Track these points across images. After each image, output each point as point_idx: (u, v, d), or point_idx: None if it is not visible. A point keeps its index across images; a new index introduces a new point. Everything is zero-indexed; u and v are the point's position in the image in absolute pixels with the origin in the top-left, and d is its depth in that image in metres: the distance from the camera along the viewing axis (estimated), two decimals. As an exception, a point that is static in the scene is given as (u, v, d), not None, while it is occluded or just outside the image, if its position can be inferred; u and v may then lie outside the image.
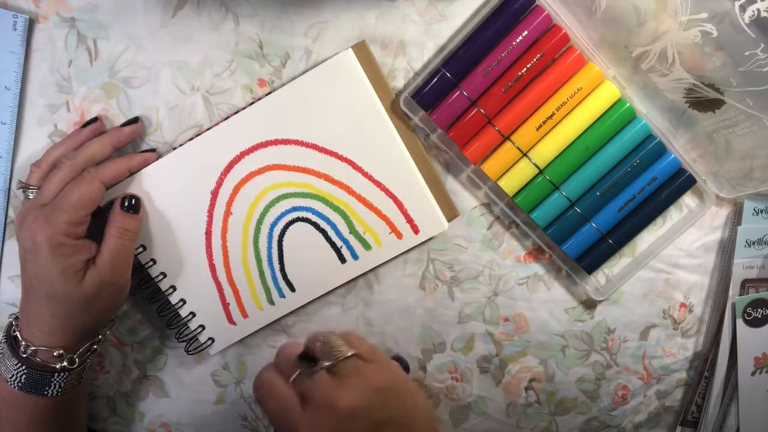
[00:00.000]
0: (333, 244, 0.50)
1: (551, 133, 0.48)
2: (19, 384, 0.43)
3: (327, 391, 0.33)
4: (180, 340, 0.52)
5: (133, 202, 0.46)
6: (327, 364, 0.34)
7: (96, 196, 0.44)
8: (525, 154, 0.48)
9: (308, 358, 0.35)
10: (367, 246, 0.50)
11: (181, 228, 0.49)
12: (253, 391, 0.37)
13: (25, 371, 0.43)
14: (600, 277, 0.53)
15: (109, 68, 0.49)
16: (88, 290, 0.43)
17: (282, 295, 0.51)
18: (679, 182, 0.49)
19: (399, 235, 0.50)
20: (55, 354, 0.43)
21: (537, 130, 0.48)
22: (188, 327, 0.51)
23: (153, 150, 0.49)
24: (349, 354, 0.35)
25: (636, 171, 0.49)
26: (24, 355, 0.43)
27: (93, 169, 0.44)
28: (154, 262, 0.50)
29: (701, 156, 0.49)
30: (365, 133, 0.48)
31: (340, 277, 0.51)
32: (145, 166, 0.48)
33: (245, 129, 0.48)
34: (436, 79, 0.47)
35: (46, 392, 0.44)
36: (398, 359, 0.42)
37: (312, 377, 0.34)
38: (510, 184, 0.49)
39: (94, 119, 0.48)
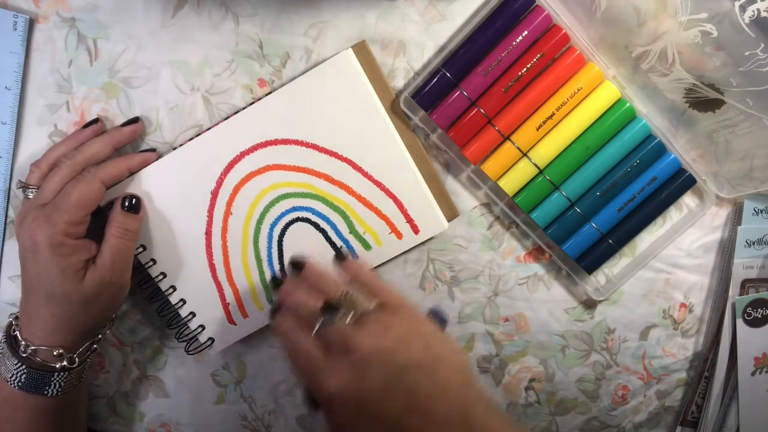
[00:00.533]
0: (333, 244, 0.50)
1: (551, 133, 0.48)
2: (19, 384, 0.43)
3: (346, 336, 0.34)
4: (180, 340, 0.52)
5: (133, 202, 0.46)
6: (350, 316, 0.35)
7: (96, 196, 0.44)
8: (525, 154, 0.48)
9: (331, 307, 0.36)
10: (367, 246, 0.50)
11: (181, 228, 0.49)
12: (276, 336, 0.38)
13: (24, 371, 0.43)
14: (600, 277, 0.53)
15: (109, 68, 0.49)
16: (88, 290, 0.43)
17: (282, 295, 0.51)
18: (679, 182, 0.49)
19: (399, 235, 0.50)
20: (54, 353, 0.43)
21: (537, 130, 0.48)
22: (188, 327, 0.51)
23: (153, 150, 0.49)
24: (372, 306, 0.35)
25: (636, 171, 0.49)
26: (24, 355, 0.43)
27: (93, 169, 0.44)
28: (154, 262, 0.50)
29: (701, 156, 0.49)
30: (365, 133, 0.48)
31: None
32: (146, 165, 0.48)
33: (245, 129, 0.48)
34: (436, 79, 0.47)
35: (45, 392, 0.44)
36: (434, 314, 0.41)
37: (333, 326, 0.34)
38: (510, 184, 0.49)
39: (95, 120, 0.48)
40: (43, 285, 0.43)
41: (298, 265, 0.42)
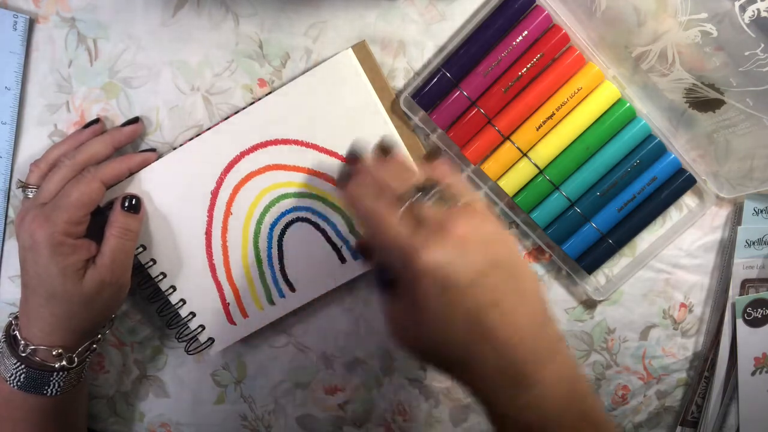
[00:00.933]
0: (333, 244, 0.50)
1: (551, 133, 0.48)
2: (18, 383, 0.43)
3: (443, 216, 0.33)
4: (180, 340, 0.52)
5: (133, 202, 0.46)
6: (443, 200, 0.34)
7: (96, 196, 0.44)
8: (525, 154, 0.48)
9: (424, 189, 0.35)
10: (367, 246, 0.50)
11: (181, 228, 0.49)
12: (348, 201, 0.37)
13: (24, 370, 0.43)
14: (600, 277, 0.53)
15: (109, 68, 0.49)
16: (88, 290, 0.43)
17: (282, 295, 0.51)
18: (679, 182, 0.49)
19: (399, 235, 0.50)
20: (54, 353, 0.43)
21: (537, 130, 0.48)
22: (188, 327, 0.51)
23: (153, 150, 0.49)
24: (462, 201, 0.35)
25: (636, 171, 0.49)
26: (23, 354, 0.43)
27: (93, 169, 0.44)
28: (154, 262, 0.50)
29: (701, 156, 0.49)
30: (365, 133, 0.48)
31: (340, 277, 0.51)
32: (146, 165, 0.48)
33: (245, 129, 0.48)
34: (436, 79, 0.47)
35: (45, 392, 0.44)
36: None
37: (423, 205, 0.34)
38: (510, 184, 0.49)
39: (95, 120, 0.48)
40: (43, 284, 0.43)
41: (386, 149, 0.41)
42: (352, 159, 0.41)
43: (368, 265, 0.40)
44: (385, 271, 0.37)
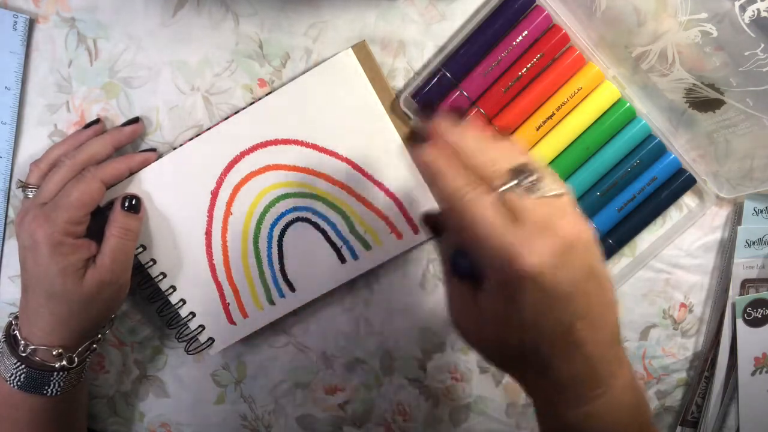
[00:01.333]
0: (333, 244, 0.50)
1: (551, 133, 0.48)
2: (18, 383, 0.43)
3: (546, 214, 0.29)
4: (180, 340, 0.52)
5: (133, 202, 0.46)
6: (542, 189, 0.30)
7: (96, 195, 0.44)
8: (525, 154, 0.48)
9: (523, 173, 0.30)
10: (367, 246, 0.50)
11: (181, 228, 0.49)
12: (422, 169, 0.31)
13: (24, 370, 0.43)
14: (600, 277, 0.53)
15: (109, 68, 0.49)
16: (88, 289, 0.43)
17: (282, 295, 0.51)
18: (679, 182, 0.49)
19: (399, 235, 0.50)
20: (54, 353, 0.43)
21: (537, 130, 0.48)
22: (188, 327, 0.51)
23: (153, 150, 0.49)
24: (564, 192, 0.31)
25: (636, 171, 0.49)
26: (23, 354, 0.43)
27: (93, 168, 0.44)
28: (154, 262, 0.50)
29: (701, 156, 0.49)
30: (365, 133, 0.48)
31: (340, 277, 0.51)
32: (146, 165, 0.48)
33: (245, 129, 0.48)
34: (436, 79, 0.47)
35: (45, 391, 0.44)
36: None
37: (520, 194, 0.30)
38: (510, 184, 0.49)
39: (96, 120, 0.48)
40: (43, 284, 0.43)
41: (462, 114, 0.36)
42: (426, 114, 0.33)
43: (429, 237, 0.34)
44: (465, 258, 0.33)
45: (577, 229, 0.30)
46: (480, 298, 0.32)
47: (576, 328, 0.30)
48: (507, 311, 0.30)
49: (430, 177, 0.31)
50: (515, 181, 0.30)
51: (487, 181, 0.30)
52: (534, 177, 0.30)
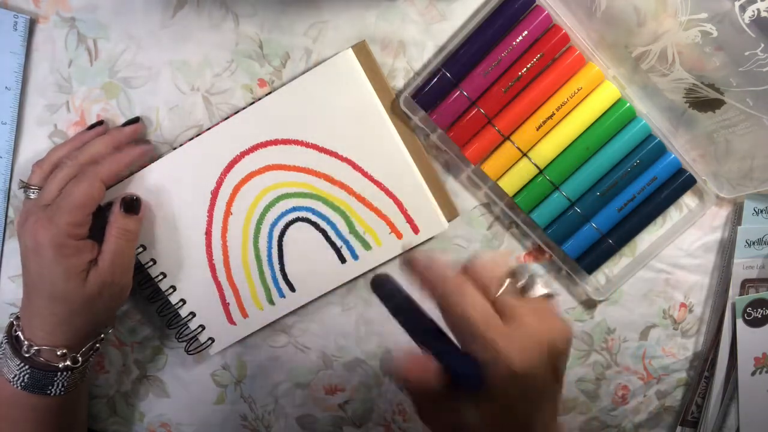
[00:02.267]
0: (333, 244, 0.50)
1: (551, 133, 0.48)
2: (22, 384, 0.43)
3: (537, 318, 0.32)
4: (180, 340, 0.52)
5: (133, 202, 0.46)
6: (542, 292, 0.34)
7: (97, 195, 0.44)
8: (525, 154, 0.48)
9: (515, 275, 0.34)
10: (367, 246, 0.50)
11: (181, 228, 0.49)
12: (435, 292, 0.33)
13: (28, 371, 0.43)
14: (600, 277, 0.53)
15: (109, 68, 0.49)
16: (90, 291, 0.43)
17: (282, 295, 0.51)
18: (679, 182, 0.49)
19: (399, 235, 0.50)
20: (58, 353, 0.43)
21: (537, 130, 0.48)
22: (188, 327, 0.51)
23: (148, 141, 0.49)
24: (548, 293, 0.35)
25: (636, 171, 0.49)
26: (27, 355, 0.43)
27: (93, 168, 0.44)
28: (154, 262, 0.50)
29: (701, 156, 0.49)
30: (365, 133, 0.48)
31: (340, 277, 0.51)
32: (145, 158, 0.48)
33: (245, 129, 0.48)
34: (436, 79, 0.47)
35: (48, 391, 0.44)
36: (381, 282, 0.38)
37: (515, 297, 0.33)
38: (510, 184, 0.49)
39: (99, 122, 0.48)
40: (46, 286, 0.43)
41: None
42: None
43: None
44: (471, 365, 0.33)
45: (560, 335, 0.33)
46: (489, 404, 0.33)
47: (533, 425, 0.33)
48: (503, 413, 0.32)
49: (456, 316, 0.33)
50: (507, 282, 0.33)
51: (485, 288, 0.33)
52: (525, 280, 0.34)
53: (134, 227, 0.46)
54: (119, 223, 0.45)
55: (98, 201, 0.44)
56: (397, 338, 0.54)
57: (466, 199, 0.51)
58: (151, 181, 0.48)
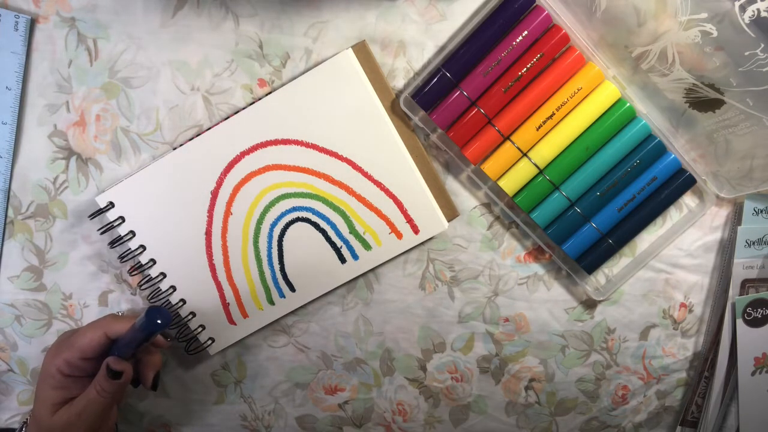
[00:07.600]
0: (333, 244, 0.50)
1: (551, 133, 0.48)
2: None
3: None
4: (180, 340, 0.52)
5: (117, 373, 0.45)
6: None
7: (97, 345, 0.45)
8: (525, 154, 0.49)
9: None
10: (367, 246, 0.50)
11: (181, 228, 0.49)
12: None
13: None
14: (600, 277, 0.53)
15: (109, 68, 0.49)
16: (54, 424, 0.44)
17: (282, 295, 0.51)
18: (679, 182, 0.49)
19: (399, 235, 0.50)
20: None
21: (537, 130, 0.48)
22: (188, 327, 0.51)
23: (168, 338, 0.50)
24: None
25: (636, 171, 0.49)
26: None
27: (106, 320, 0.45)
28: (154, 262, 0.50)
29: (701, 156, 0.50)
30: (365, 133, 0.48)
31: (340, 277, 0.51)
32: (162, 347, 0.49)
33: (245, 129, 0.48)
34: (436, 79, 0.47)
35: None
36: (151, 313, 0.41)
37: None
38: (510, 184, 0.49)
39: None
40: (34, 402, 0.46)
41: None
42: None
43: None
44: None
45: None
46: None
47: None
48: None
49: None
50: None
51: None
52: None
53: (114, 389, 0.45)
54: (101, 384, 0.45)
55: (97, 351, 0.45)
56: (397, 338, 0.54)
57: (466, 199, 0.51)
58: (152, 181, 0.48)
